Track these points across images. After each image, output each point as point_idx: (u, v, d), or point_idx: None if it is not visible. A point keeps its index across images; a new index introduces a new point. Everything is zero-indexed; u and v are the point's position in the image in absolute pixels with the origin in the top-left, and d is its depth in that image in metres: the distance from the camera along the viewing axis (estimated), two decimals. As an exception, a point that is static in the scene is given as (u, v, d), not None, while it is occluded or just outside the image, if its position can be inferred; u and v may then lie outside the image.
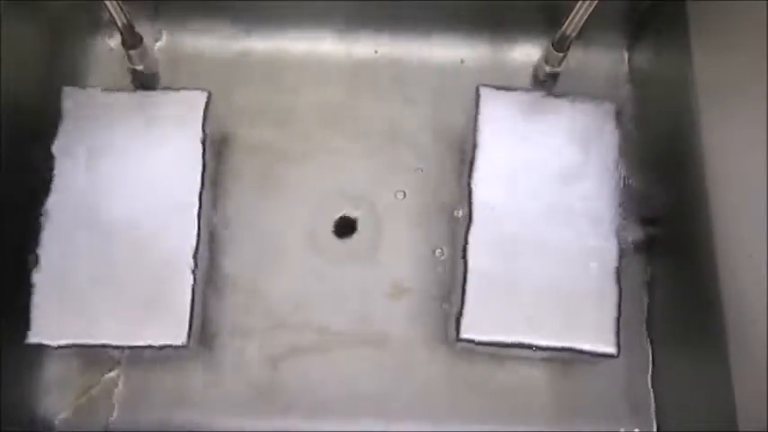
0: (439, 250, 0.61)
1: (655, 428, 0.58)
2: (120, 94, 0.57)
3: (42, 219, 0.53)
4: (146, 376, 0.57)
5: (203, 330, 0.57)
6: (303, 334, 0.59)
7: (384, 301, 0.60)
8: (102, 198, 0.54)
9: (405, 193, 0.62)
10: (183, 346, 0.52)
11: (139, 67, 0.58)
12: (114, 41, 0.64)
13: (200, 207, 0.54)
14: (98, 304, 0.52)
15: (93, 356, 0.57)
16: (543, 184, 0.55)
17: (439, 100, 0.64)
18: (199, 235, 0.54)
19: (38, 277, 0.52)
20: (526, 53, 0.65)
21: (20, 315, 0.51)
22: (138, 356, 0.57)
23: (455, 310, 0.54)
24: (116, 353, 0.56)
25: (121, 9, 0.53)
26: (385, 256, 0.61)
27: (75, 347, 0.51)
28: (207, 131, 0.56)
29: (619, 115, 0.57)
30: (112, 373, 0.57)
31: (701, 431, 0.52)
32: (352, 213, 0.62)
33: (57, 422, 0.56)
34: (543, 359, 0.58)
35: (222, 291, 0.59)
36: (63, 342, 0.51)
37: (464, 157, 0.59)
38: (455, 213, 0.61)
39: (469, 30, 0.66)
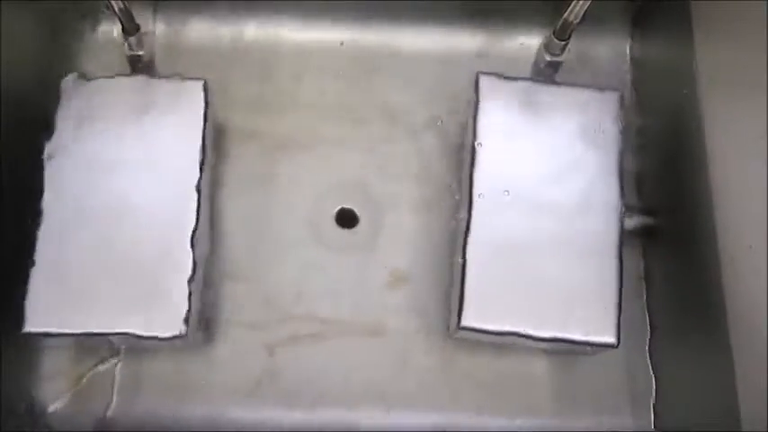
0: (439, 239, 0.60)
1: (654, 420, 0.58)
2: (118, 82, 0.56)
3: (39, 207, 0.53)
4: (143, 366, 0.57)
5: (202, 320, 0.57)
6: (302, 324, 0.59)
7: (384, 290, 0.60)
8: (100, 187, 0.54)
9: (405, 183, 0.62)
10: (180, 336, 0.52)
11: (138, 55, 0.58)
12: (113, 29, 0.63)
13: (198, 196, 0.54)
14: (95, 293, 0.52)
15: (90, 346, 0.57)
16: (544, 173, 0.55)
17: (439, 89, 0.64)
18: (197, 224, 0.54)
19: (34, 266, 0.52)
20: (527, 43, 0.65)
21: (15, 305, 0.51)
22: (135, 346, 0.57)
23: (455, 299, 0.54)
24: (113, 342, 0.55)
25: (119, -4, 0.53)
26: (384, 246, 0.60)
27: (72, 337, 0.51)
28: (206, 121, 0.56)
29: (621, 104, 0.57)
30: (109, 363, 0.57)
31: (703, 422, 0.52)
32: (352, 203, 0.61)
33: (53, 412, 0.56)
34: (543, 350, 0.58)
35: (221, 281, 0.59)
36: (59, 331, 0.51)
37: (464, 146, 0.59)
38: (455, 202, 0.60)
39: (471, 18, 0.65)
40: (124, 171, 0.54)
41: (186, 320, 0.52)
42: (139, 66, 0.59)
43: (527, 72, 0.60)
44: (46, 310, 0.51)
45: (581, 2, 0.52)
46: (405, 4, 0.64)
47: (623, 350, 0.55)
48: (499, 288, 0.53)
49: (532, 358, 0.59)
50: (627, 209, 0.55)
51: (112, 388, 0.57)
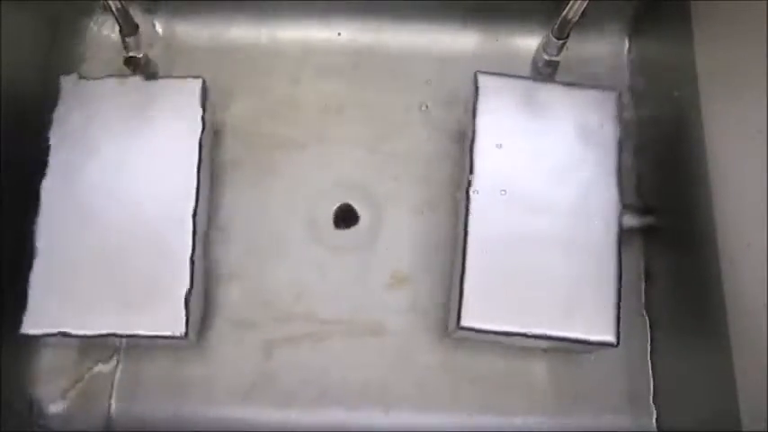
0: (438, 239, 0.60)
1: (655, 419, 0.58)
2: (117, 82, 0.56)
3: (38, 207, 0.53)
4: (143, 366, 0.57)
5: (202, 320, 0.57)
6: (302, 324, 0.59)
7: (383, 290, 0.59)
8: (98, 187, 0.54)
9: (404, 183, 0.62)
10: (180, 337, 0.52)
11: (136, 56, 0.58)
12: (113, 29, 0.63)
13: (197, 196, 0.54)
14: (95, 293, 0.52)
15: (90, 346, 0.57)
16: (543, 172, 0.55)
17: (438, 88, 0.64)
18: (196, 224, 0.54)
19: (33, 266, 0.52)
20: (525, 42, 0.64)
21: (15, 305, 0.51)
22: (135, 346, 0.57)
23: (455, 299, 0.54)
24: (113, 342, 0.56)
25: (117, -3, 0.53)
26: (384, 246, 0.60)
27: (72, 337, 0.51)
28: (205, 120, 0.56)
29: (620, 103, 0.57)
30: (109, 363, 0.57)
31: (703, 422, 0.51)
32: (352, 203, 0.61)
33: (52, 412, 0.56)
34: (543, 349, 0.58)
35: (221, 280, 0.59)
36: (58, 332, 0.51)
37: (463, 145, 0.59)
38: (455, 202, 0.60)
39: (469, 17, 0.65)
40: (123, 171, 0.54)
41: (186, 320, 0.52)
42: (138, 66, 0.59)
43: (526, 71, 0.60)
44: (45, 311, 0.51)
45: (579, 0, 0.51)
46: (404, 3, 0.64)
47: (623, 349, 0.55)
48: (498, 287, 0.53)
49: (532, 358, 0.59)
50: (626, 207, 0.55)
51: (112, 388, 0.57)
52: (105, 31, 0.64)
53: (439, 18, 0.65)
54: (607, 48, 0.65)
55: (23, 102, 0.56)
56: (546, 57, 0.58)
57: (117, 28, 0.57)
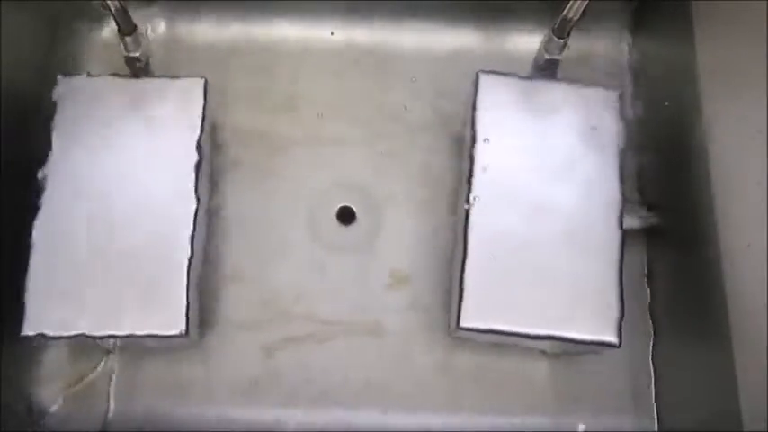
0: (438, 239, 0.60)
1: (656, 419, 0.57)
2: (116, 82, 0.56)
3: (37, 208, 0.53)
4: (142, 366, 0.57)
5: (202, 320, 0.57)
6: (302, 324, 0.59)
7: (383, 290, 0.59)
8: (98, 187, 0.54)
9: (404, 182, 0.62)
10: (180, 336, 0.52)
11: (135, 55, 0.58)
12: (111, 29, 0.63)
13: (197, 196, 0.54)
14: (95, 293, 0.51)
15: (89, 347, 0.57)
16: (544, 172, 0.55)
17: (439, 87, 0.64)
18: (195, 224, 0.54)
19: (32, 267, 0.52)
20: (527, 40, 0.64)
21: (15, 306, 0.51)
22: (135, 346, 0.57)
23: (455, 298, 0.54)
24: (113, 342, 0.55)
25: (114, -5, 0.53)
26: (384, 246, 0.60)
27: (71, 338, 0.51)
28: (204, 120, 0.56)
29: (621, 102, 0.57)
30: (109, 363, 0.57)
31: (704, 422, 0.51)
32: (351, 202, 0.61)
33: (52, 412, 0.56)
34: (544, 349, 0.58)
35: (220, 281, 0.59)
36: (58, 333, 0.51)
37: (464, 144, 0.59)
38: (455, 202, 0.60)
39: (470, 16, 0.65)
40: (123, 171, 0.54)
41: (186, 319, 0.52)
42: (137, 66, 0.59)
43: (526, 71, 0.60)
44: (45, 312, 0.51)
45: (579, 0, 0.51)
46: (405, 3, 0.64)
47: (625, 349, 0.54)
48: (499, 287, 0.53)
49: (533, 358, 0.58)
50: (628, 207, 0.55)
51: (111, 388, 0.57)
52: (107, 31, 0.64)
53: (440, 17, 0.65)
54: (608, 47, 0.65)
55: (23, 102, 0.56)
56: (547, 56, 0.58)
57: (116, 27, 0.57)
